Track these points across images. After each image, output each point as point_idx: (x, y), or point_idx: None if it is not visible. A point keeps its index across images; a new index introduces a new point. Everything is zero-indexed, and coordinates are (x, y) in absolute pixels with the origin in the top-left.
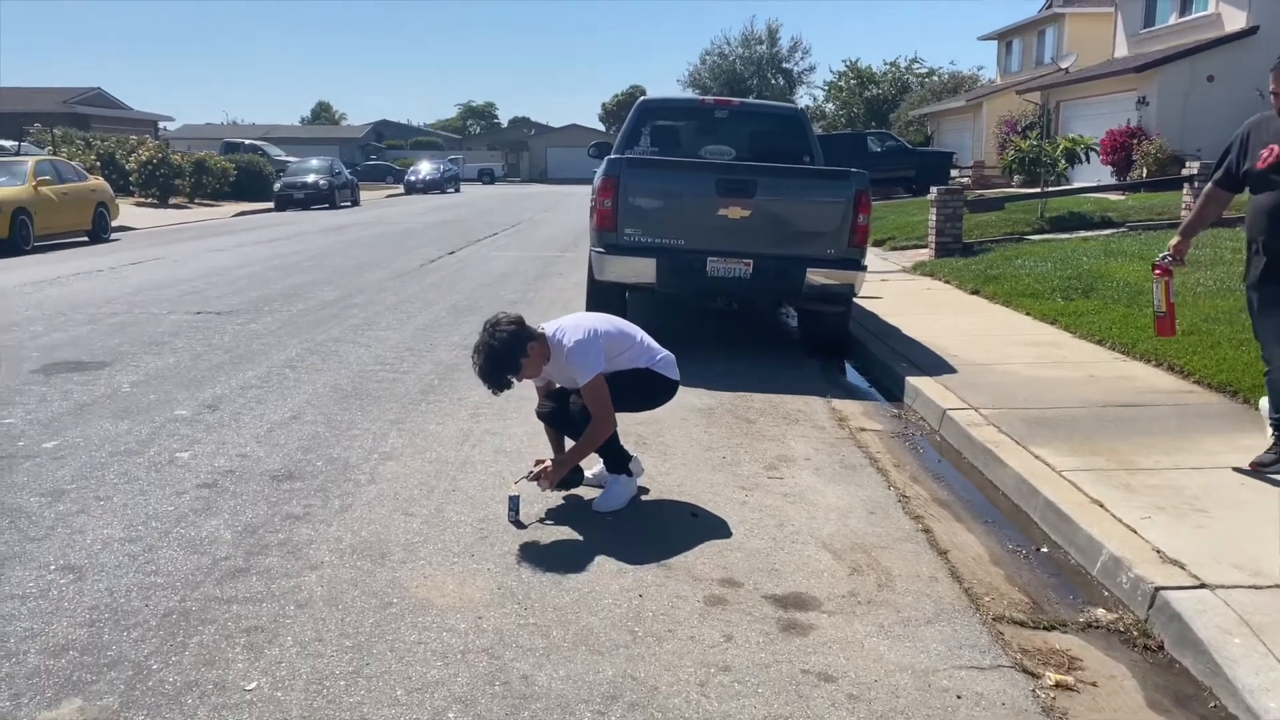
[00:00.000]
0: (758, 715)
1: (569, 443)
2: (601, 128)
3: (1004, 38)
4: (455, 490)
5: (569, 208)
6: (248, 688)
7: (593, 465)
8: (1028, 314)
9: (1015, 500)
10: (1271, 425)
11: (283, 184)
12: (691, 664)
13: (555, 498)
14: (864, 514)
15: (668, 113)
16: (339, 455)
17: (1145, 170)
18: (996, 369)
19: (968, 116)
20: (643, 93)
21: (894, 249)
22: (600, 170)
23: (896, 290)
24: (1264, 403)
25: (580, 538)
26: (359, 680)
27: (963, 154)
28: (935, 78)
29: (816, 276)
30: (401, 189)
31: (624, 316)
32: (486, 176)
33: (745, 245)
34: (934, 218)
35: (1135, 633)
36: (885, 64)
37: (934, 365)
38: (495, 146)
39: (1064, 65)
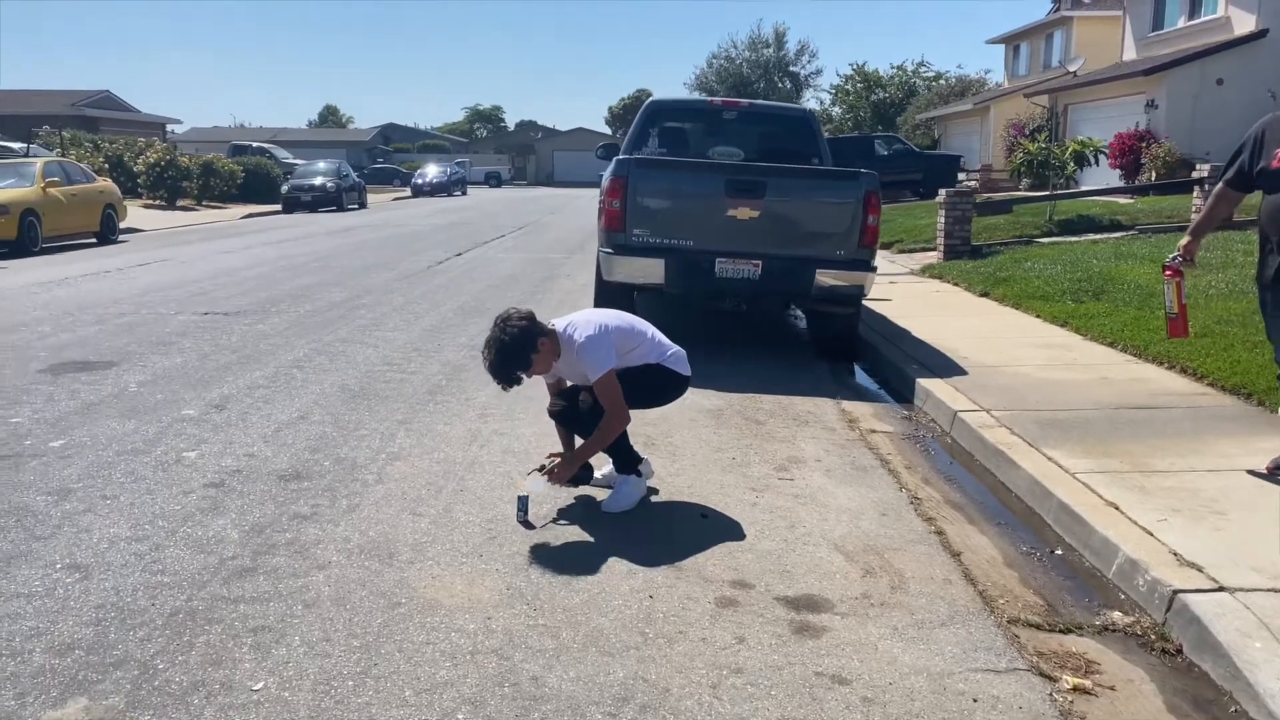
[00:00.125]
0: (771, 718)
1: (579, 442)
2: (608, 131)
3: (1011, 41)
4: (463, 490)
5: (575, 211)
6: (255, 688)
7: (602, 466)
8: (1038, 316)
9: (1028, 502)
10: None
11: (290, 186)
12: (703, 666)
13: (564, 498)
14: (876, 516)
15: (676, 114)
16: (346, 455)
17: (1154, 174)
18: (1007, 371)
19: (975, 120)
20: (649, 96)
21: (902, 251)
22: (609, 171)
23: (905, 293)
24: None
25: (590, 538)
26: (367, 681)
27: (970, 157)
28: (942, 81)
29: (826, 278)
30: (408, 192)
31: None
32: (493, 180)
33: (754, 246)
34: (943, 220)
35: (1153, 636)
36: (892, 67)
37: (944, 367)
38: (502, 150)
39: (1072, 68)
